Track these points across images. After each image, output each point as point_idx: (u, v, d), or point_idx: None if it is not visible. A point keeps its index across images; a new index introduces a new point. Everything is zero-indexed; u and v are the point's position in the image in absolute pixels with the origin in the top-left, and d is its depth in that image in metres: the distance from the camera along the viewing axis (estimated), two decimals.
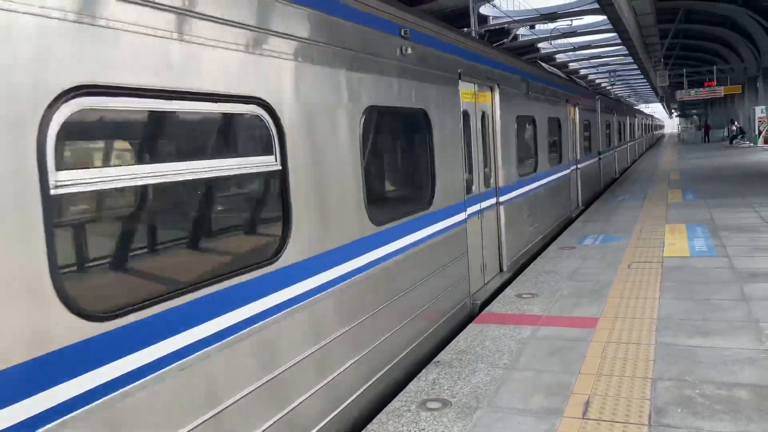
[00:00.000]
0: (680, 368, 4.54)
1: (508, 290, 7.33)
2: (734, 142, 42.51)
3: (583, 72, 63.10)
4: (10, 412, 2.07)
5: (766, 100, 34.64)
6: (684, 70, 38.38)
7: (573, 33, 38.67)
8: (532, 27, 30.16)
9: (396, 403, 4.33)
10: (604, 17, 27.55)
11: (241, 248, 3.51)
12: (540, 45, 42.91)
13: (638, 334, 5.37)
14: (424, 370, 4.90)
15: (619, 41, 32.76)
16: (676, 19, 29.37)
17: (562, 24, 27.96)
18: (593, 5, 24.57)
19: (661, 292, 6.64)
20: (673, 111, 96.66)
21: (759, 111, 36.57)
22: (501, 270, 8.22)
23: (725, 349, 4.85)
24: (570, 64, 55.75)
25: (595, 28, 39.54)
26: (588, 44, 46.38)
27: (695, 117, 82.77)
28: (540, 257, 9.10)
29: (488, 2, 28.15)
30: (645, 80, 56.81)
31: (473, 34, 22.46)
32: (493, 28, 29.36)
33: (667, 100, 68.77)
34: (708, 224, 10.70)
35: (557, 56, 48.80)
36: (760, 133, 36.50)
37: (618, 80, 70.37)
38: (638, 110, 46.63)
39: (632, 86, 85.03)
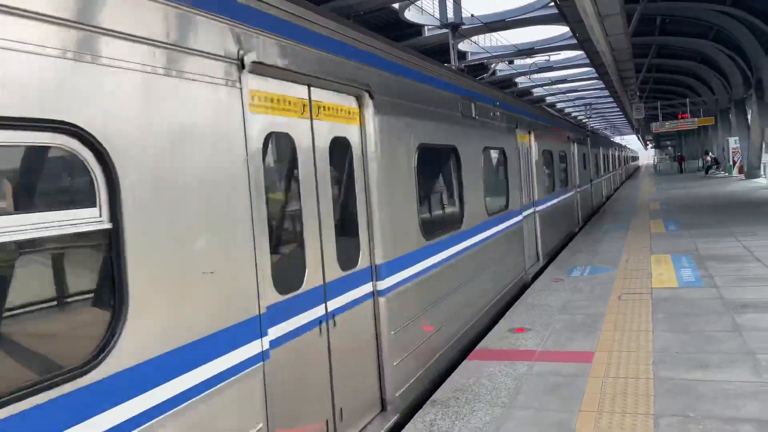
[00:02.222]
0: (682, 403, 4.46)
1: (500, 324, 7.23)
2: (710, 172, 43.38)
3: (559, 105, 64.33)
4: None
5: (739, 131, 35.49)
6: (658, 102, 39.25)
7: (550, 68, 39.49)
8: (511, 62, 30.74)
9: None
10: (581, 52, 28.22)
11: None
12: (518, 79, 43.73)
13: (635, 369, 5.29)
14: (420, 411, 4.76)
15: (594, 75, 33.51)
16: (649, 54, 30.16)
17: (539, 59, 28.53)
18: (570, 41, 25.16)
19: (654, 324, 6.60)
20: (648, 143, 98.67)
21: (733, 142, 37.44)
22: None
23: (725, 382, 4.79)
24: (547, 98, 56.82)
25: (572, 63, 40.49)
26: (565, 78, 47.40)
27: (670, 148, 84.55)
28: (530, 289, 9.04)
29: (467, 39, 28.69)
30: (620, 113, 58.06)
31: (453, 68, 22.77)
32: (472, 63, 29.89)
33: (642, 132, 70.20)
34: (693, 254, 10.76)
35: (534, 90, 49.74)
36: (734, 163, 37.31)
37: (594, 113, 71.79)
38: (614, 142, 47.49)
39: (608, 119, 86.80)
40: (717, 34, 27.73)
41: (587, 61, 26.42)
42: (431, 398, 5.01)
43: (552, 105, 61.78)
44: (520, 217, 9.92)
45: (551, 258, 12.41)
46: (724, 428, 4.01)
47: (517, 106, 10.88)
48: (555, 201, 13.34)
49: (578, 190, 17.47)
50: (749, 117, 33.05)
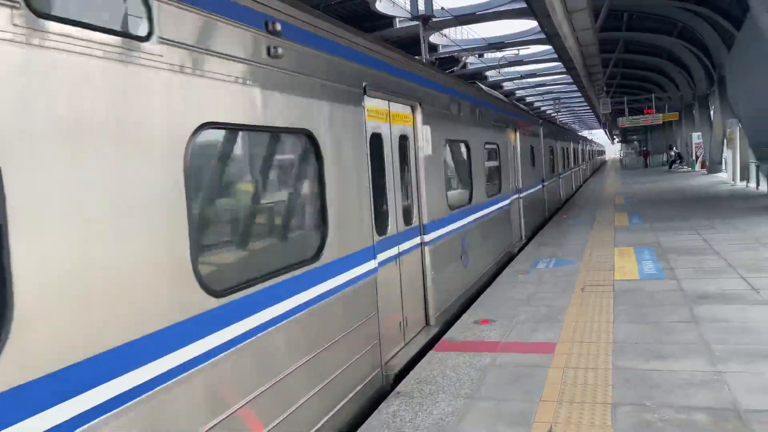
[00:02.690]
0: (639, 393, 4.57)
1: (465, 316, 7.30)
2: (673, 167, 44.34)
3: (529, 99, 64.96)
4: None
5: (702, 126, 36.34)
6: (625, 98, 39.94)
7: (520, 62, 39.81)
8: (481, 56, 30.90)
9: None
10: (549, 47, 28.51)
11: None
12: (488, 73, 43.98)
13: (595, 359, 5.40)
14: (384, 402, 4.79)
15: (563, 70, 33.90)
16: (616, 49, 30.63)
17: (509, 53, 28.77)
18: (540, 35, 25.40)
19: (615, 316, 6.74)
20: (614, 137, 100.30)
21: (696, 137, 38.32)
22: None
23: (681, 372, 4.92)
24: (517, 91, 57.30)
25: (541, 57, 40.88)
26: (534, 73, 47.86)
27: (636, 143, 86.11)
28: (495, 282, 9.14)
29: (438, 31, 28.73)
30: (588, 107, 58.86)
31: (424, 61, 22.79)
32: (443, 56, 29.96)
33: (609, 126, 71.34)
34: (655, 247, 11.00)
35: (504, 84, 50.11)
36: (697, 158, 38.22)
37: (562, 107, 72.68)
38: (582, 136, 48.13)
39: (576, 113, 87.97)
40: (682, 30, 28.30)
41: (556, 55, 26.71)
42: (395, 390, 5.04)
43: (521, 99, 62.37)
44: (508, 201, 11.95)
45: (529, 239, 13.89)
46: (677, 416, 4.12)
47: (508, 108, 13.34)
48: (533, 190, 15.24)
49: (545, 184, 17.80)
50: (712, 113, 33.85)
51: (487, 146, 10.28)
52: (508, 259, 11.47)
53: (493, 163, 10.89)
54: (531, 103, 67.75)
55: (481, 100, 10.24)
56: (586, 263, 9.99)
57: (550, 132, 19.56)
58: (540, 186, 16.72)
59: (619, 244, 11.71)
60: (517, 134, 13.40)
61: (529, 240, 13.73)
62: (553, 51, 24.26)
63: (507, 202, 11.78)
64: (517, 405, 4.53)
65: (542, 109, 75.39)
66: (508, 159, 12.12)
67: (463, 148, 8.86)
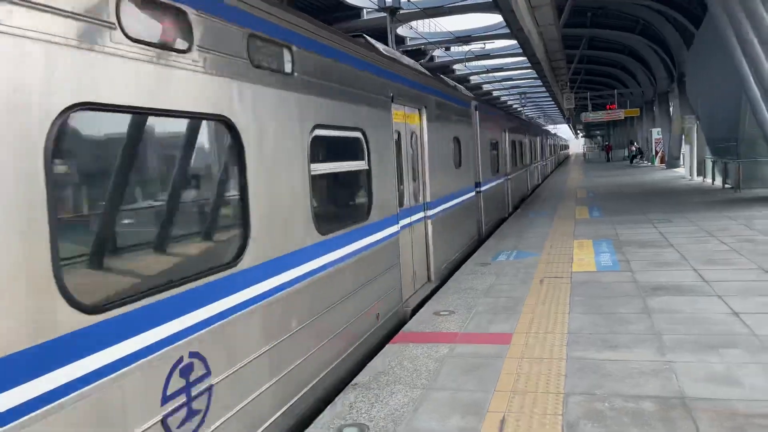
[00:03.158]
0: (590, 382, 4.66)
1: (426, 307, 7.34)
2: (634, 161, 45.32)
3: (495, 93, 65.50)
4: None
5: (661, 122, 37.20)
6: (588, 93, 40.61)
7: (487, 56, 40.08)
8: (447, 49, 30.98)
9: (312, 430, 4.18)
10: (516, 42, 28.74)
11: None
12: (455, 66, 44.17)
13: (550, 349, 5.49)
14: (341, 394, 4.78)
15: (529, 64, 34.27)
16: (581, 45, 31.10)
17: (475, 47, 28.91)
18: (506, 30, 25.58)
19: (571, 307, 6.86)
20: (578, 131, 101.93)
21: (655, 133, 39.23)
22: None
23: (631, 361, 5.04)
24: (483, 85, 57.73)
25: (508, 52, 41.23)
26: (501, 67, 48.26)
27: (599, 138, 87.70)
28: (457, 273, 9.21)
29: (405, 23, 28.70)
30: (553, 102, 59.66)
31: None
32: (409, 48, 29.95)
33: (573, 121, 72.49)
34: (613, 240, 11.24)
35: (471, 77, 50.41)
36: (657, 153, 39.13)
37: (528, 102, 73.51)
38: (546, 130, 48.75)
39: (542, 107, 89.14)
40: (644, 28, 28.87)
41: (522, 50, 26.95)
42: (352, 381, 5.04)
43: (488, 93, 62.85)
44: (473, 193, 12.92)
45: (492, 230, 14.66)
46: (626, 405, 4.21)
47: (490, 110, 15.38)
48: (495, 183, 15.67)
49: (509, 177, 17.96)
50: (671, 109, 34.66)
51: (466, 140, 11.84)
52: (478, 243, 12.70)
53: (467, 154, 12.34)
54: (498, 97, 68.35)
55: (465, 102, 12.22)
56: (546, 255, 10.14)
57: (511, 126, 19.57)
58: (500, 180, 16.80)
59: (578, 236, 11.92)
60: (482, 126, 13.95)
61: (492, 231, 14.31)
62: (519, 46, 24.47)
63: (472, 194, 12.63)
64: (472, 395, 4.58)
65: (509, 103, 76.10)
66: (476, 152, 13.34)
67: (455, 142, 10.66)
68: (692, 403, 4.16)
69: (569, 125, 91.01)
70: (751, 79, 15.82)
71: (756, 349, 5.13)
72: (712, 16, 17.40)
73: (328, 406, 4.58)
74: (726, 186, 20.31)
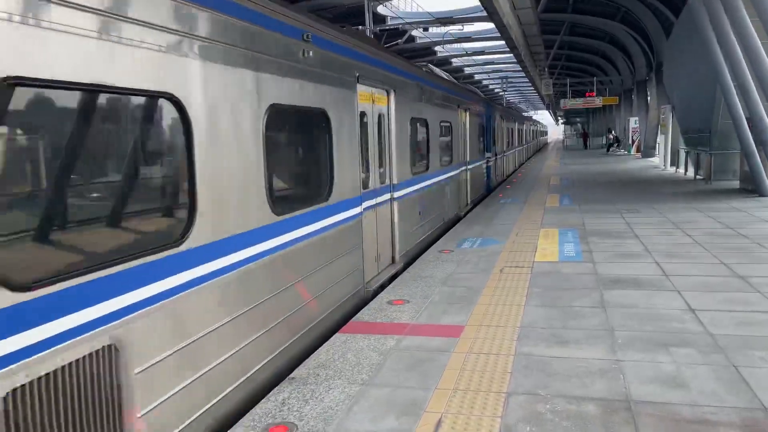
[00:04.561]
0: (535, 381, 4.48)
1: (381, 296, 7.12)
2: (610, 150, 45.47)
3: (477, 77, 65.13)
4: None
5: (639, 111, 37.26)
6: (568, 80, 40.51)
7: (468, 38, 39.66)
8: (426, 29, 30.53)
9: (237, 429, 3.94)
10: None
11: None
12: (436, 48, 43.67)
13: (500, 344, 5.30)
14: (276, 389, 4.54)
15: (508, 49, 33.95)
16: (561, 31, 30.87)
17: (454, 29, 28.52)
18: (484, 12, 25.16)
19: (528, 299, 6.68)
20: (559, 118, 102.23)
21: (633, 122, 39.30)
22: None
23: (580, 359, 4.86)
24: (465, 69, 57.30)
25: (489, 35, 40.83)
26: (482, 50, 47.86)
27: (579, 125, 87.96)
28: (419, 260, 9.00)
29: (384, 3, 28.15)
30: (533, 88, 59.49)
31: (368, 33, 22.31)
32: (388, 28, 29.44)
33: (553, 107, 72.57)
34: (579, 229, 11.11)
35: (453, 60, 49.95)
36: (633, 142, 39.25)
37: (510, 87, 73.29)
38: (527, 117, 48.64)
39: (523, 93, 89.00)
40: (624, 15, 28.71)
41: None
42: (290, 375, 4.80)
43: (470, 77, 62.46)
44: (459, 170, 13.71)
45: (474, 205, 15.57)
46: (568, 407, 4.03)
47: (461, 91, 15.11)
48: (477, 164, 16.56)
49: (493, 156, 18.62)
50: (649, 98, 34.69)
51: (443, 123, 12.21)
52: (457, 220, 13.34)
53: (448, 138, 12.89)
54: (479, 81, 68.00)
55: (440, 85, 12.29)
56: (510, 244, 9.97)
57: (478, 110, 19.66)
58: (482, 161, 18.05)
59: (545, 225, 11.78)
60: (467, 114, 14.97)
61: (473, 208, 15.22)
62: (497, 29, 24.10)
63: (457, 171, 13.62)
64: (412, 393, 4.37)
65: (490, 87, 75.82)
66: (458, 135, 14.03)
67: (425, 125, 10.68)
68: (637, 407, 3.99)
69: (549, 111, 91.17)
70: (726, 71, 15.76)
71: (708, 349, 4.99)
72: (691, 6, 17.27)
73: (260, 402, 4.34)
74: (698, 177, 20.36)
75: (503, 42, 32.37)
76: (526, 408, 4.05)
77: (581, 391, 4.27)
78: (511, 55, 39.74)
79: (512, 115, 30.32)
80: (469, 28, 33.85)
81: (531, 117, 61.16)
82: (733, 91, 15.76)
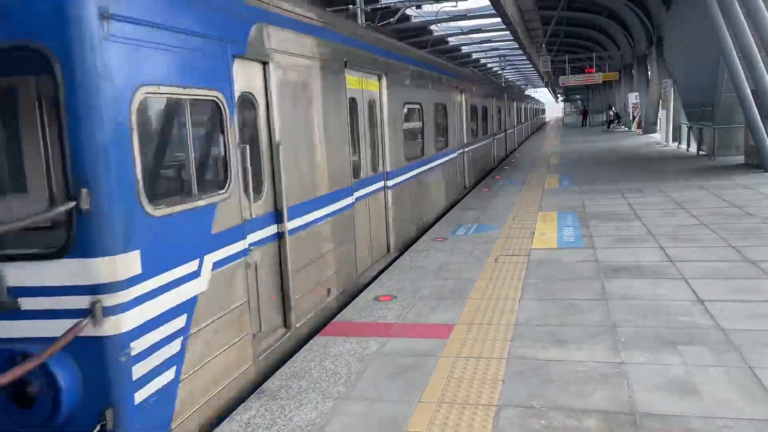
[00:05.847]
0: (529, 390, 4.02)
1: (368, 291, 6.67)
2: (611, 126, 44.77)
3: (474, 56, 64.17)
4: None
5: (639, 87, 36.52)
6: (567, 56, 39.68)
7: (463, 16, 38.78)
8: (419, 7, 29.73)
9: None
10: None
11: None
12: (432, 28, 42.78)
13: (491, 346, 4.85)
14: (242, 406, 4.09)
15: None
16: (559, 6, 30.05)
17: (447, 5, 27.76)
18: None
19: (523, 291, 6.22)
20: (558, 95, 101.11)
21: (633, 97, 38.56)
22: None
23: (579, 363, 4.41)
24: (462, 47, 56.35)
25: (485, 12, 39.94)
26: (479, 28, 46.92)
27: (579, 102, 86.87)
28: (410, 250, 8.54)
29: None
30: (531, 65, 58.57)
31: (358, 12, 21.61)
32: (380, 7, 28.65)
33: (552, 85, 71.59)
34: (579, 212, 10.62)
35: (449, 39, 49.04)
36: (634, 118, 38.55)
37: (508, 65, 72.23)
38: (525, 94, 47.84)
39: (521, 71, 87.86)
40: None
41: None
42: (260, 388, 4.36)
43: (468, 55, 61.52)
44: (456, 154, 13.38)
45: (473, 185, 15.37)
46: (566, 422, 3.59)
47: (461, 74, 14.93)
48: (477, 145, 16.45)
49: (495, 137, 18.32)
50: (649, 73, 33.95)
51: (439, 106, 11.85)
52: (457, 201, 13.10)
53: (445, 121, 12.52)
54: (477, 60, 67.03)
55: (437, 67, 11.89)
56: (507, 229, 9.50)
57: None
58: (484, 141, 17.99)
59: (544, 208, 11.30)
60: (464, 95, 14.58)
61: (473, 187, 15.10)
62: (491, 5, 23.40)
63: (455, 155, 13.26)
64: (392, 408, 3.92)
65: (488, 66, 74.79)
66: (456, 117, 13.63)
67: (419, 109, 10.26)
68: (643, 421, 3.54)
69: (548, 89, 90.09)
70: (730, 42, 15.13)
71: (720, 347, 4.53)
72: None
73: (224, 422, 3.90)
74: (701, 153, 19.79)
75: (500, 19, 31.64)
76: (517, 425, 3.60)
77: (580, 402, 3.82)
78: (508, 32, 38.99)
79: (513, 95, 29.65)
80: (464, 5, 33.02)
81: (529, 95, 60.18)
82: (737, 62, 15.14)
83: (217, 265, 3.99)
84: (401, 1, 25.17)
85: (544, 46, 29.93)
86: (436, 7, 29.13)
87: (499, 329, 5.20)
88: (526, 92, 71.85)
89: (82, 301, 3.10)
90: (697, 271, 6.56)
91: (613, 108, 46.92)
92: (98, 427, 3.10)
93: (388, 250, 8.35)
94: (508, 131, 26.03)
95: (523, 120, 39.33)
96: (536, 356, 4.59)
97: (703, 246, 7.64)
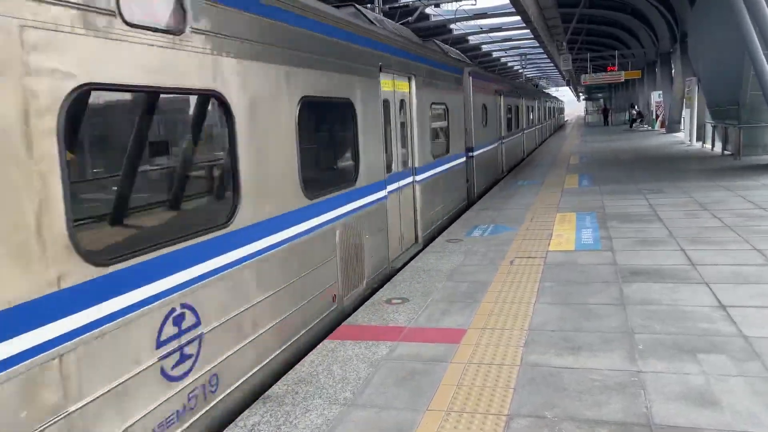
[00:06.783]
0: (541, 399, 3.90)
1: (379, 293, 6.58)
2: (633, 125, 44.09)
3: (495, 55, 63.68)
4: None
5: (663, 85, 35.90)
6: (588, 54, 39.17)
7: (483, 15, 38.47)
8: (437, 5, 29.54)
9: None
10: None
11: None
12: (451, 27, 42.49)
13: (504, 351, 4.72)
14: (247, 411, 4.03)
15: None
16: (580, 4, 29.65)
17: (466, 4, 27.55)
18: None
19: (538, 295, 6.08)
20: (580, 94, 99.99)
21: (656, 96, 37.92)
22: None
23: (594, 371, 4.27)
24: (482, 46, 55.94)
25: (506, 11, 39.55)
26: (499, 27, 46.50)
27: (601, 100, 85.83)
28: (424, 251, 8.43)
29: None
30: (552, 64, 57.94)
31: (377, 11, 21.54)
32: (398, 5, 28.52)
33: (574, 83, 70.81)
34: (598, 213, 10.41)
35: (469, 38, 48.69)
36: (657, 117, 37.92)
37: (529, 63, 71.54)
38: (543, 92, 47.25)
39: (543, 70, 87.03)
40: None
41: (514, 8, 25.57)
42: (265, 393, 4.28)
43: (488, 54, 61.07)
44: (464, 158, 13.19)
45: (484, 192, 14.93)
46: None
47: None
48: (488, 147, 16.13)
49: (503, 141, 18.02)
50: (673, 71, 33.35)
51: (454, 106, 11.88)
52: (466, 206, 13.01)
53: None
54: (498, 59, 66.53)
55: (456, 68, 12.38)
56: (524, 231, 9.33)
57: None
58: (494, 144, 17.48)
59: (562, 209, 11.10)
60: (473, 89, 14.36)
61: (483, 194, 14.62)
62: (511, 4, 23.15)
63: (462, 159, 12.95)
64: (399, 415, 3.82)
65: (509, 64, 74.16)
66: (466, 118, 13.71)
67: (444, 109, 10.80)
68: None
69: (570, 87, 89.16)
70: (756, 39, 14.74)
71: (742, 356, 4.35)
72: None
73: (228, 428, 3.83)
74: (726, 153, 19.35)
75: (519, 17, 31.30)
76: None
77: (594, 413, 3.68)
78: (528, 30, 38.58)
79: (528, 92, 29.28)
80: (483, 3, 32.72)
81: (544, 92, 59.22)
82: (764, 59, 14.74)
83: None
84: (419, 0, 25.03)
85: (565, 44, 29.51)
86: (454, 5, 28.91)
87: (513, 334, 5.07)
88: (547, 90, 70.96)
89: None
90: (719, 275, 6.35)
91: (636, 106, 46.20)
92: None
93: (416, 240, 9.07)
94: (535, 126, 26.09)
95: (540, 120, 38.89)
96: (550, 363, 4.45)
97: (727, 249, 7.41)
